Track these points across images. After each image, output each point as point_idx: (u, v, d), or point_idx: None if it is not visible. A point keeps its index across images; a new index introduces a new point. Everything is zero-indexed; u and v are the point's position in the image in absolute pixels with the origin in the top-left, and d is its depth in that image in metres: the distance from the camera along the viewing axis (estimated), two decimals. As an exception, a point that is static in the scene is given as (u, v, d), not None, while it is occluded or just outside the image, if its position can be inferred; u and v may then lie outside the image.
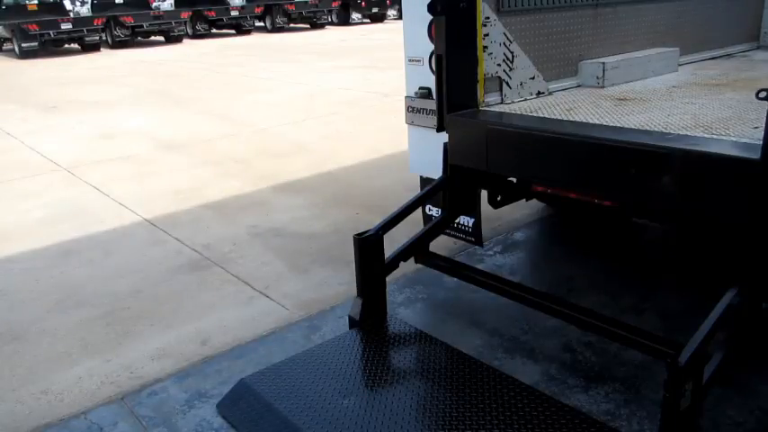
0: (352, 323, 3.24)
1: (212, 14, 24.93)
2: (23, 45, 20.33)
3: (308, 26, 27.81)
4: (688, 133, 2.71)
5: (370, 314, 3.23)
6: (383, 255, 3.19)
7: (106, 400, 3.07)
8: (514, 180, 3.53)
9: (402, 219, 3.28)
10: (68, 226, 5.42)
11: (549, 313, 3.00)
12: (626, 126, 2.93)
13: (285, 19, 26.72)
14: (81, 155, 7.88)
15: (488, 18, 3.36)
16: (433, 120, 3.41)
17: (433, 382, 2.81)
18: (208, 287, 4.19)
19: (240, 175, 6.71)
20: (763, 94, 2.13)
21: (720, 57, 5.10)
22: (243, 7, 25.44)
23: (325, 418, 2.58)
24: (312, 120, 9.28)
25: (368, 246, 3.12)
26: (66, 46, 22.39)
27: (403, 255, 3.31)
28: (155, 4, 22.53)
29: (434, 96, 3.37)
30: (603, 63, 3.95)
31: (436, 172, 3.45)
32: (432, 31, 3.41)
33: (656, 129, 2.83)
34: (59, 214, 5.74)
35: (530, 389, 2.71)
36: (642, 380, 2.97)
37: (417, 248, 3.39)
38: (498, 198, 3.62)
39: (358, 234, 3.12)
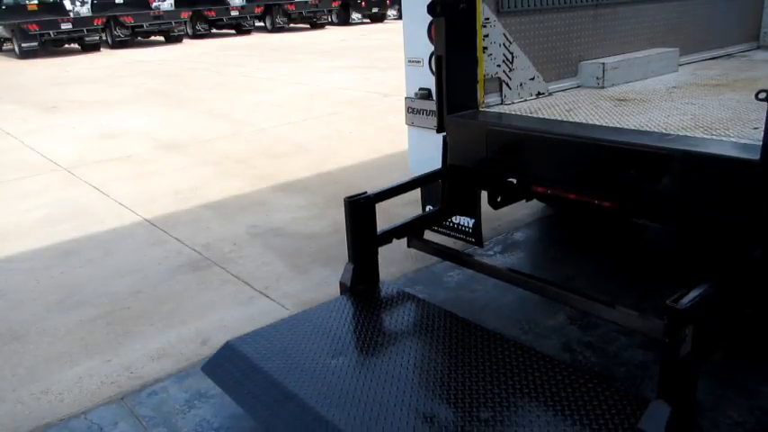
0: (343, 289, 3.18)
1: (212, 14, 24.93)
2: (23, 45, 20.33)
3: (308, 26, 27.81)
4: (688, 134, 2.72)
5: (362, 280, 3.16)
6: (375, 220, 3.13)
7: (106, 400, 3.07)
8: (514, 181, 3.54)
9: (396, 194, 3.25)
10: (68, 226, 5.42)
11: (537, 292, 2.99)
12: (626, 127, 2.93)
13: (285, 19, 26.72)
14: (81, 155, 7.88)
15: (488, 19, 3.36)
16: (433, 121, 3.42)
17: (425, 341, 2.76)
18: (208, 287, 4.20)
19: (240, 175, 6.71)
20: (762, 95, 2.13)
21: (720, 57, 5.11)
22: (243, 7, 25.43)
23: (314, 377, 2.51)
24: (312, 120, 9.28)
25: (358, 209, 3.05)
26: (66, 46, 22.40)
27: (397, 232, 3.28)
28: (155, 4, 22.53)
29: (434, 97, 3.38)
30: (603, 63, 3.95)
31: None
32: (431, 32, 3.41)
33: (655, 129, 2.83)
34: (59, 214, 5.74)
35: (524, 347, 2.65)
36: (642, 380, 2.97)
37: (411, 230, 3.36)
38: (498, 199, 3.63)
39: (349, 197, 3.06)
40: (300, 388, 2.45)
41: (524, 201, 3.84)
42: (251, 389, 2.55)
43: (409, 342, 2.76)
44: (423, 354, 2.68)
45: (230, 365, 2.73)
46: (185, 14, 23.79)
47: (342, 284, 3.19)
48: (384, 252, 3.25)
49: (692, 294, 2.07)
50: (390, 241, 3.27)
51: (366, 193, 3.09)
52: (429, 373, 2.54)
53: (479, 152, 3.21)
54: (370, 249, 3.17)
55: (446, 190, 3.42)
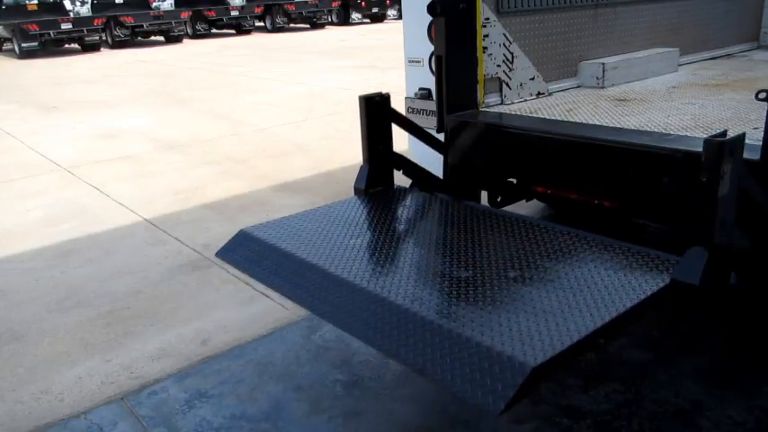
0: (358, 193, 3.11)
1: (212, 14, 24.93)
2: (23, 45, 20.34)
3: (308, 26, 27.81)
4: (688, 134, 2.72)
5: (377, 183, 3.08)
6: (390, 122, 3.08)
7: (106, 400, 3.07)
8: (514, 181, 3.54)
9: (405, 126, 3.19)
10: (68, 226, 5.42)
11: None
12: (626, 127, 2.93)
13: (285, 19, 26.72)
14: (81, 155, 7.88)
15: (488, 19, 3.36)
16: (433, 121, 3.42)
17: (447, 225, 2.72)
18: (208, 287, 4.20)
19: (240, 175, 6.71)
20: (762, 95, 2.13)
21: (720, 57, 5.11)
22: (243, 7, 25.44)
23: (332, 252, 2.46)
24: (312, 120, 9.28)
25: (373, 107, 2.99)
26: (66, 46, 22.39)
27: (405, 164, 3.22)
28: (155, 4, 22.54)
29: (434, 97, 3.38)
30: (603, 63, 3.96)
31: (436, 173, 3.45)
32: (432, 32, 3.42)
33: (655, 129, 2.84)
34: (59, 214, 5.74)
35: (549, 225, 2.60)
36: (642, 380, 2.97)
37: (417, 176, 3.30)
38: (498, 199, 3.62)
39: (364, 95, 2.99)
40: (319, 260, 2.39)
41: (524, 201, 3.84)
42: (268, 265, 2.50)
43: (431, 226, 2.72)
44: (445, 233, 2.62)
45: (245, 249, 2.67)
46: (185, 14, 23.79)
47: (356, 189, 3.10)
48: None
49: (729, 138, 2.00)
50: (400, 168, 3.20)
51: (381, 92, 3.03)
52: (453, 246, 2.49)
53: (479, 152, 3.21)
54: (385, 151, 3.08)
55: (447, 164, 3.40)
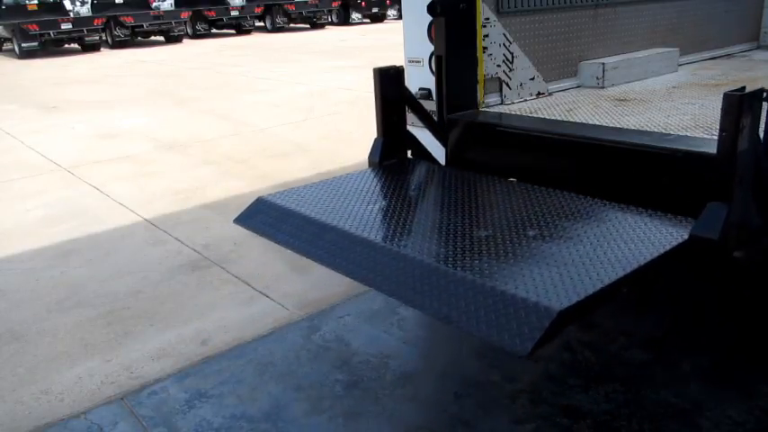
0: (372, 165, 3.13)
1: (212, 14, 24.94)
2: (23, 45, 20.35)
3: (308, 26, 27.81)
4: (688, 134, 2.72)
5: (391, 156, 3.10)
6: (404, 94, 3.09)
7: (106, 400, 3.07)
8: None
9: (412, 104, 3.20)
10: (68, 226, 5.42)
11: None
12: (626, 127, 2.93)
13: (285, 19, 26.73)
14: (81, 155, 7.88)
15: (488, 19, 3.36)
16: (434, 120, 3.42)
17: (465, 192, 2.74)
18: (208, 287, 4.20)
19: (240, 175, 6.71)
20: (762, 95, 2.13)
21: (720, 57, 5.11)
22: (243, 7, 25.44)
23: (350, 215, 2.48)
24: (312, 120, 9.28)
25: (388, 80, 3.01)
26: (66, 46, 22.40)
27: (417, 145, 3.24)
28: (155, 4, 22.54)
29: (434, 97, 3.38)
30: (603, 63, 3.96)
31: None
32: (431, 32, 3.42)
33: (655, 129, 2.84)
34: (59, 214, 5.74)
35: (565, 192, 2.63)
36: (642, 380, 2.97)
37: (421, 154, 3.33)
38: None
39: (379, 67, 3.01)
40: (338, 222, 2.43)
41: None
42: (287, 229, 2.53)
43: (446, 192, 2.74)
44: (462, 198, 2.65)
45: (263, 215, 2.71)
46: (185, 14, 23.79)
47: (370, 162, 3.12)
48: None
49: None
50: (408, 150, 3.22)
51: (395, 65, 3.05)
52: (470, 209, 2.53)
53: (479, 152, 3.21)
54: (399, 124, 3.10)
55: (447, 143, 3.40)
